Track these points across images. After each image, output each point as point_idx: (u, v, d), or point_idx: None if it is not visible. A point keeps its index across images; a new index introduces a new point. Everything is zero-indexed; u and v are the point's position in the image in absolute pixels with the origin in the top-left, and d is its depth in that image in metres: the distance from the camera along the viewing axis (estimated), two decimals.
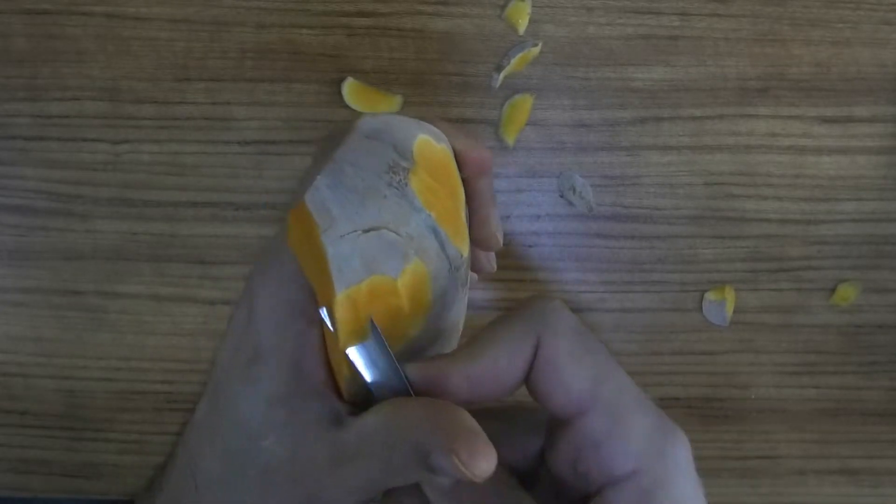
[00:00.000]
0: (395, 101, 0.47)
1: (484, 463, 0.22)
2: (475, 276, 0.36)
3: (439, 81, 0.47)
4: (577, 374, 0.23)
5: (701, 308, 0.49)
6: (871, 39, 0.48)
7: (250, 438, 0.28)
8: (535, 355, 0.24)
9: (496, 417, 0.25)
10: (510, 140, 0.47)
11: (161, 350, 0.47)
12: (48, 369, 0.47)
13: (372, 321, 0.26)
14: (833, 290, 0.49)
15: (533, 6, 0.47)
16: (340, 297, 0.26)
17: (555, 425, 0.25)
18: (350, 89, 0.46)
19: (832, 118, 0.48)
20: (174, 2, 0.46)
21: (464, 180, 0.31)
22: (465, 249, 0.29)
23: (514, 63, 0.46)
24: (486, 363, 0.24)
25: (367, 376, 0.26)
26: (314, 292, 0.28)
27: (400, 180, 0.28)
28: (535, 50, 0.47)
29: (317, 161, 0.30)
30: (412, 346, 0.28)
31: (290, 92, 0.46)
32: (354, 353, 0.26)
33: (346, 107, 0.46)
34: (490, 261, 0.35)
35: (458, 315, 0.30)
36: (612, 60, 0.47)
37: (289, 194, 0.46)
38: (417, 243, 0.27)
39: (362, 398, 0.27)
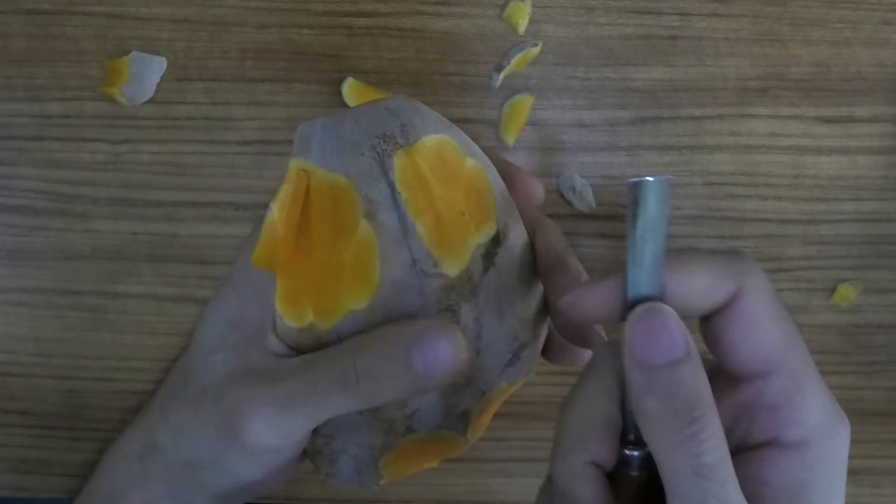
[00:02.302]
0: None
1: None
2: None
3: (439, 81, 0.47)
4: (771, 335, 0.23)
5: None
6: (871, 39, 0.48)
7: (203, 354, 0.30)
8: (730, 301, 0.23)
9: None
10: (510, 140, 0.47)
11: (161, 350, 0.47)
12: (48, 369, 0.47)
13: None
14: (833, 290, 0.49)
15: (533, 6, 0.47)
16: (293, 163, 0.28)
17: (722, 380, 0.25)
18: (350, 89, 0.46)
19: (832, 118, 0.48)
20: (174, 2, 0.46)
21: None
22: (446, 265, 0.28)
23: (514, 63, 0.46)
24: (687, 276, 0.23)
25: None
26: None
27: (385, 150, 0.27)
28: (535, 50, 0.47)
29: None
30: (356, 319, 0.28)
31: (290, 92, 0.46)
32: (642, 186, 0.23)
33: (347, 107, 0.46)
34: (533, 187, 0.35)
35: None
36: (612, 60, 0.47)
37: None
38: (374, 208, 0.27)
39: (292, 341, 0.28)
